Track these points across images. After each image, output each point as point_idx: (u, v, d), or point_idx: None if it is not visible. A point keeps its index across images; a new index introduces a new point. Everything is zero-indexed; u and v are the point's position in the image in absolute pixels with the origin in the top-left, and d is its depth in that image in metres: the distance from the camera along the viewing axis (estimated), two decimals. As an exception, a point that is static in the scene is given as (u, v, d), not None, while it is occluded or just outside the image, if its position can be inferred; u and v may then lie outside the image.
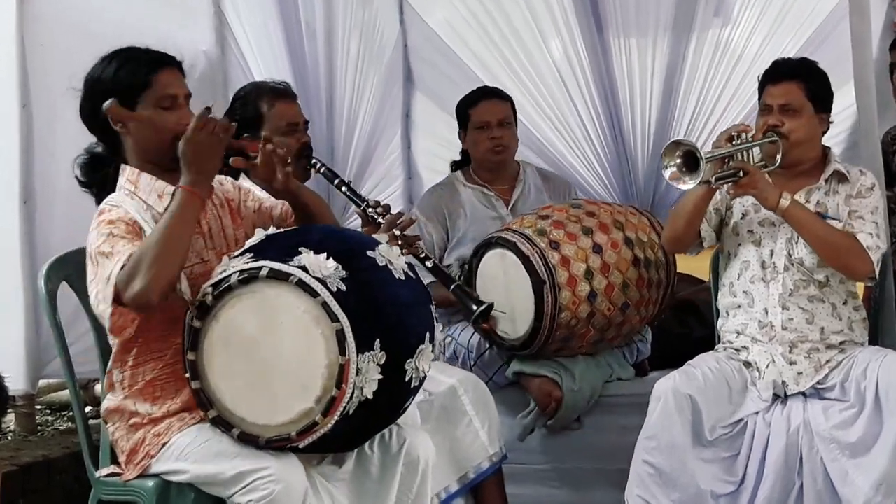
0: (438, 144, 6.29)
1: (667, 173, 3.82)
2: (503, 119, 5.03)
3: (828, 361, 3.93)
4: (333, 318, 2.93)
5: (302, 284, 2.95)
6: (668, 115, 5.96)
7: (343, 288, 2.96)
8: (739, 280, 4.09)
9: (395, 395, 3.09)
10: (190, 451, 3.11)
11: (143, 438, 3.19)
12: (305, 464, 3.10)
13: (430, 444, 3.36)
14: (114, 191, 3.22)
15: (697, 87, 5.92)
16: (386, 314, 3.02)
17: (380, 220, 3.95)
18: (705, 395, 3.81)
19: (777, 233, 4.03)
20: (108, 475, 3.32)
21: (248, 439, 3.03)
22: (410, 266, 3.21)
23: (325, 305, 2.93)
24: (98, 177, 3.27)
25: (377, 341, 2.96)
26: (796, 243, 3.99)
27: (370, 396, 2.97)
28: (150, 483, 3.16)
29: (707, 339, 4.45)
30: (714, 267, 4.38)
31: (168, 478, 3.16)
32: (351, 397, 2.94)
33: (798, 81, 4.02)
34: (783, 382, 3.91)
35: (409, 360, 3.05)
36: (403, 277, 3.13)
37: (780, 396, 3.91)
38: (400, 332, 3.05)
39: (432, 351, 3.15)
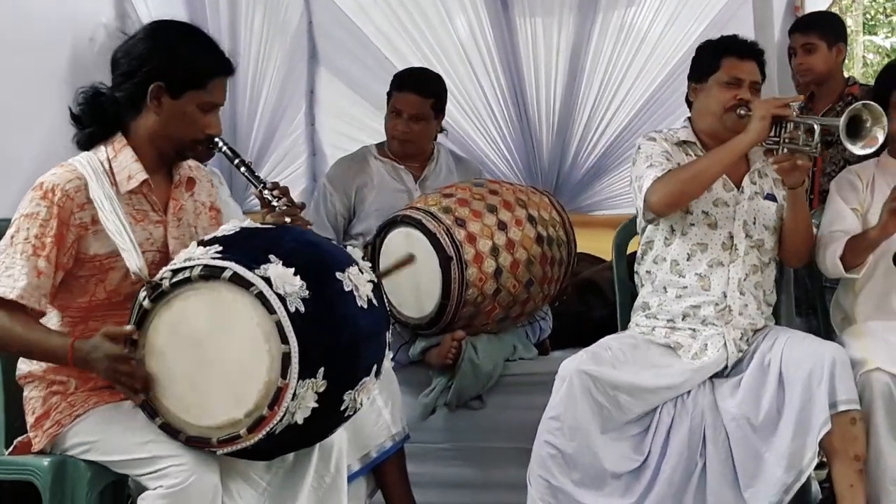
0: (343, 122, 6.27)
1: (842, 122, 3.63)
2: (415, 114, 4.89)
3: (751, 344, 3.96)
4: (284, 339, 2.85)
5: (261, 297, 2.87)
6: (572, 94, 5.99)
7: (302, 309, 2.88)
8: (690, 261, 3.99)
9: (327, 421, 3.04)
10: (106, 427, 3.07)
11: (58, 405, 3.14)
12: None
13: (343, 431, 3.30)
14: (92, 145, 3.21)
15: (602, 68, 5.97)
16: (339, 344, 2.95)
17: (274, 202, 3.90)
18: (612, 375, 3.78)
19: (733, 214, 3.98)
20: (12, 451, 3.25)
21: (170, 431, 2.97)
22: (375, 291, 3.12)
23: (278, 325, 2.86)
24: (93, 116, 3.21)
25: (321, 369, 2.89)
26: (754, 224, 3.98)
27: (300, 422, 2.92)
28: (46, 462, 3.11)
29: (608, 319, 4.46)
30: (619, 244, 4.35)
31: (75, 452, 3.11)
32: (281, 420, 2.89)
33: (757, 62, 4.01)
34: (724, 368, 3.92)
35: (350, 391, 3.00)
36: (366, 306, 3.04)
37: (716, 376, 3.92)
38: (348, 364, 2.99)
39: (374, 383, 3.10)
